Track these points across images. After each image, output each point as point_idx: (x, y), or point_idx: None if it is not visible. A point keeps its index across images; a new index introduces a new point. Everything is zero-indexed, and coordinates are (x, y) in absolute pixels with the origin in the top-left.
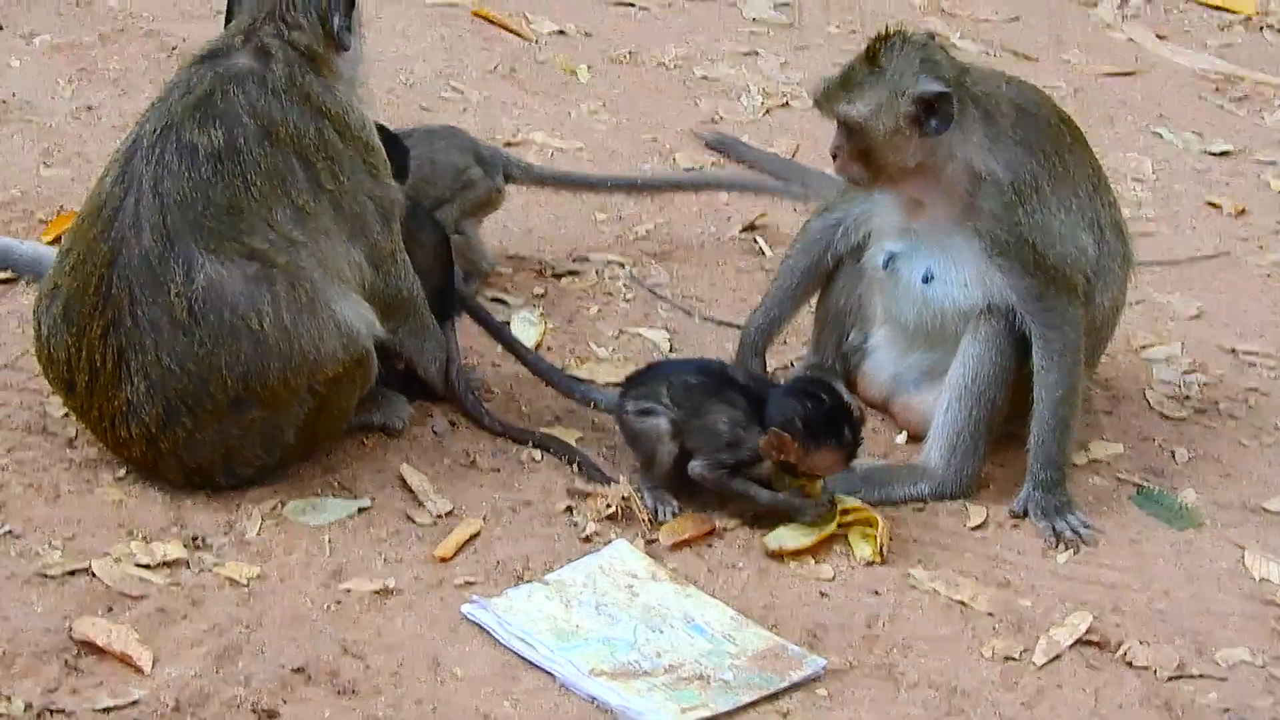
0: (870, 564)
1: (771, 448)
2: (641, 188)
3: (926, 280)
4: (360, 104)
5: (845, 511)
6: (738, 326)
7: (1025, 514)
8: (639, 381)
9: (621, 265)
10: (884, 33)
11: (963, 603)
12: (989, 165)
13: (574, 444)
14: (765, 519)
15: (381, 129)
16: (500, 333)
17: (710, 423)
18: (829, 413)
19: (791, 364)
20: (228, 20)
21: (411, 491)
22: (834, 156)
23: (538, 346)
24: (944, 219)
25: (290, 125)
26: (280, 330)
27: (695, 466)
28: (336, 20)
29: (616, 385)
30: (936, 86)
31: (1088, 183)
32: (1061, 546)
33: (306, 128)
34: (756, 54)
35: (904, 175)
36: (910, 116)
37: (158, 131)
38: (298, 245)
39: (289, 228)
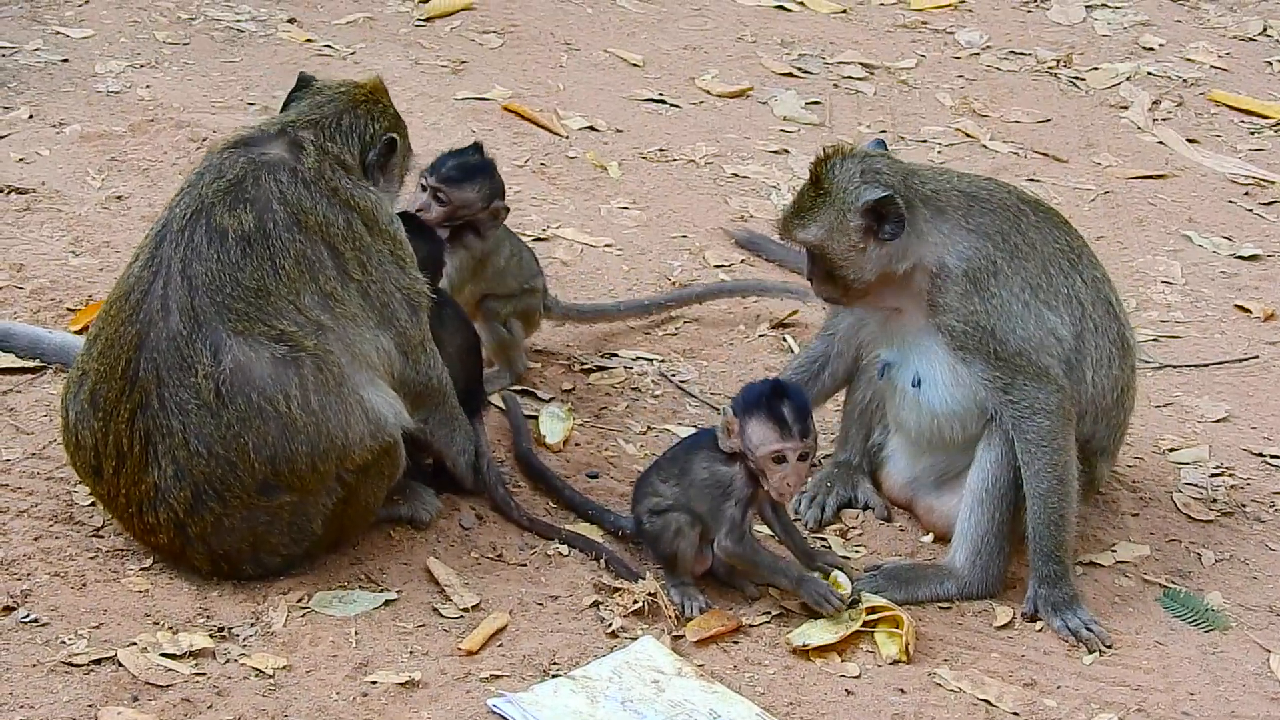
0: (896, 662)
1: (725, 429)
2: (649, 308)
3: (916, 385)
4: (390, 204)
5: (871, 610)
6: None
7: (1036, 613)
8: (637, 490)
9: (650, 361)
10: (823, 154)
11: (988, 702)
12: (942, 259)
13: (600, 540)
14: (791, 616)
15: (410, 219)
16: (545, 475)
17: (695, 477)
18: (763, 388)
19: (819, 462)
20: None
21: (438, 584)
22: (810, 280)
23: (565, 442)
24: (916, 322)
25: (319, 214)
26: (308, 413)
27: (720, 543)
28: (373, 155)
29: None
30: (877, 192)
31: (1062, 259)
32: (1084, 648)
33: (335, 218)
34: (787, 152)
35: (871, 288)
36: (861, 228)
37: (188, 215)
38: (325, 330)
39: (317, 312)
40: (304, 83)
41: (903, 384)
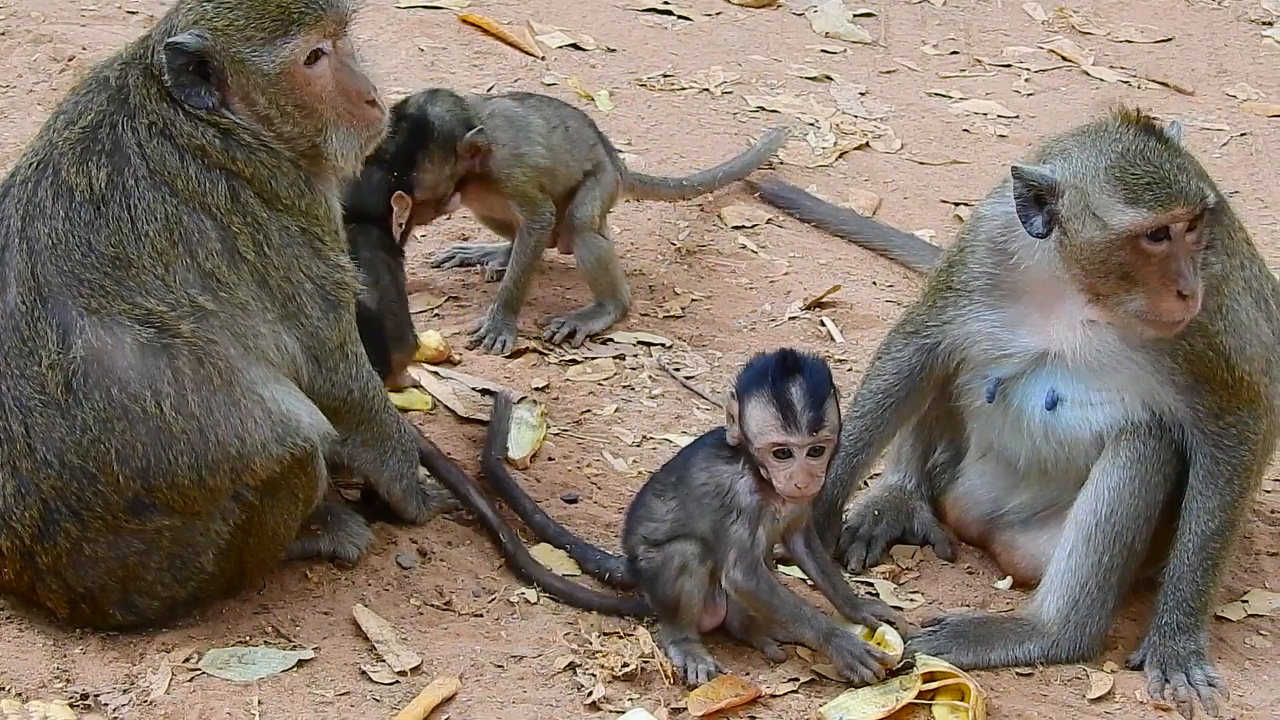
0: None
1: (728, 415)
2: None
3: (1051, 407)
4: (296, 163)
5: (930, 676)
6: None
7: (1143, 665)
8: (630, 516)
9: (648, 351)
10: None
11: None
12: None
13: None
14: (827, 684)
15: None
16: (515, 497)
17: (694, 484)
18: (768, 362)
19: (865, 484)
20: None
21: (368, 640)
22: (1189, 272)
23: (534, 456)
24: (1103, 337)
25: (190, 179)
26: (186, 416)
27: (727, 574)
28: (169, 80)
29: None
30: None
31: (1247, 248)
32: (1174, 705)
33: (214, 185)
34: (829, 79)
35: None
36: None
37: (33, 166)
38: (207, 314)
39: (194, 292)
40: None
41: (1025, 405)
